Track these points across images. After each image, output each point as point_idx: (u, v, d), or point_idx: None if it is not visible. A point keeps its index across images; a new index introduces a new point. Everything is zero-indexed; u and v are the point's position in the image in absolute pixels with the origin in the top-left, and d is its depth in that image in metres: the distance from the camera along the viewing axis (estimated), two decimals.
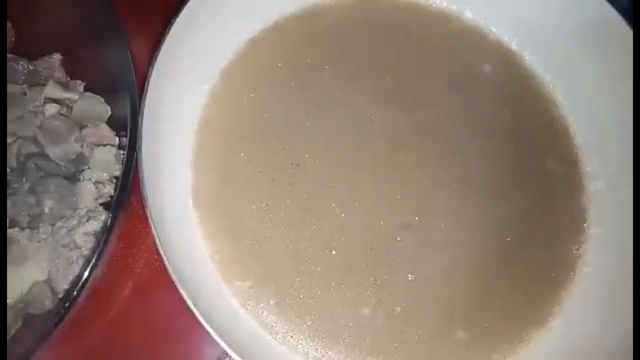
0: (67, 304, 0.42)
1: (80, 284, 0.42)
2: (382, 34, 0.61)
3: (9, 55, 0.56)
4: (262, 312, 0.50)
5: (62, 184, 0.48)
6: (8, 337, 0.48)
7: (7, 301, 0.47)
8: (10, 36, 0.57)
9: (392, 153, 0.55)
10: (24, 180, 0.48)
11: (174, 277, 0.43)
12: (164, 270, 0.51)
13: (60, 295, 0.49)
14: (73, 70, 0.56)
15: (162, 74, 0.49)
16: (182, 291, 0.43)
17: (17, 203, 0.47)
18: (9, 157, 0.49)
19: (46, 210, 0.47)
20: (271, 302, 0.50)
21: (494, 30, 0.62)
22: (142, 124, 0.46)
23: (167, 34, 0.49)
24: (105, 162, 0.51)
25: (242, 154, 0.55)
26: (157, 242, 0.44)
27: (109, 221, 0.44)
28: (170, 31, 0.49)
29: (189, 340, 0.53)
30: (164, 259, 0.43)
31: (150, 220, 0.45)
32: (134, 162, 0.45)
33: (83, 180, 0.50)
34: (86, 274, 0.42)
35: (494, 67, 0.61)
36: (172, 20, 0.50)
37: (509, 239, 0.53)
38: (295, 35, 0.61)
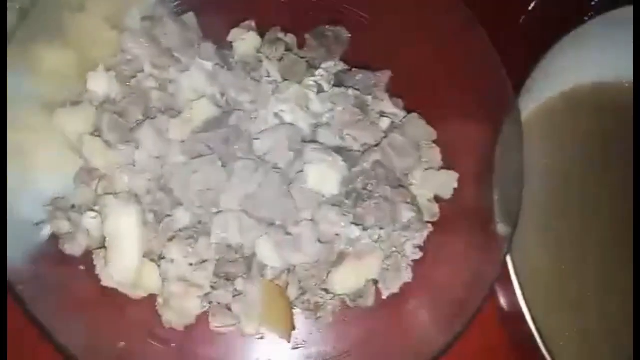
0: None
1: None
2: None
3: (343, 66, 0.61)
4: None
5: (410, 196, 0.53)
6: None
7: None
8: (344, 45, 0.62)
9: None
10: (374, 183, 0.52)
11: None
12: None
13: (384, 297, 0.53)
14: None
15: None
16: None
17: (371, 207, 0.51)
18: (360, 159, 0.54)
19: (405, 220, 0.51)
20: None
21: None
22: None
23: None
24: (436, 184, 0.55)
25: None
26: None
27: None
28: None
29: None
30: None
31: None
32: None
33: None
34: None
35: None
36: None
37: None
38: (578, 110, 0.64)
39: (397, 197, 0.52)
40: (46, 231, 0.49)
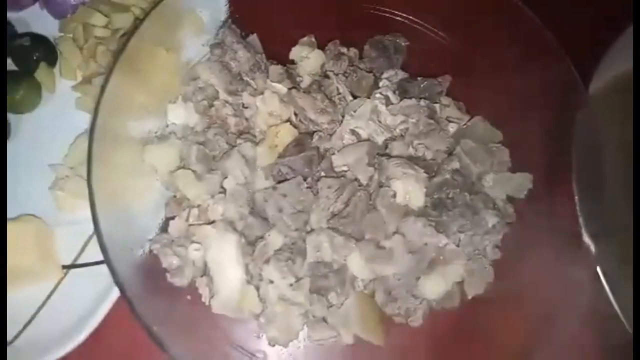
0: None
1: None
2: None
3: (404, 74, 0.62)
4: None
5: (490, 200, 0.55)
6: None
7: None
8: (403, 53, 0.64)
9: None
10: (457, 191, 0.54)
11: None
12: None
13: (469, 297, 0.56)
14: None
15: None
16: None
17: (455, 215, 0.54)
18: (440, 168, 0.56)
19: (490, 225, 0.54)
20: None
21: None
22: None
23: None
24: (510, 186, 0.57)
25: None
26: None
27: None
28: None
29: None
30: None
31: None
32: None
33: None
34: None
35: None
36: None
37: None
38: None
39: (478, 203, 0.54)
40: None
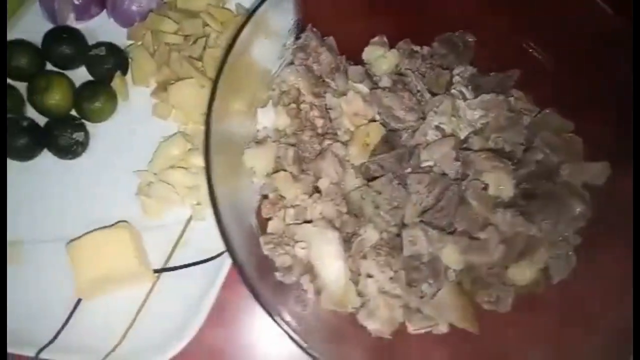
0: None
1: None
2: None
3: (473, 70, 0.64)
4: None
5: (574, 188, 0.58)
6: None
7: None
8: (471, 49, 0.65)
9: None
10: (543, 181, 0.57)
11: None
12: None
13: (554, 282, 0.58)
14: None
15: None
16: None
17: (543, 204, 0.56)
18: (524, 160, 0.58)
19: (576, 212, 0.56)
20: None
21: None
22: None
23: None
24: (588, 174, 0.59)
25: None
26: None
27: None
28: None
29: None
30: None
31: None
32: None
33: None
34: None
35: None
36: None
37: None
38: None
39: (562, 192, 0.56)
40: None
